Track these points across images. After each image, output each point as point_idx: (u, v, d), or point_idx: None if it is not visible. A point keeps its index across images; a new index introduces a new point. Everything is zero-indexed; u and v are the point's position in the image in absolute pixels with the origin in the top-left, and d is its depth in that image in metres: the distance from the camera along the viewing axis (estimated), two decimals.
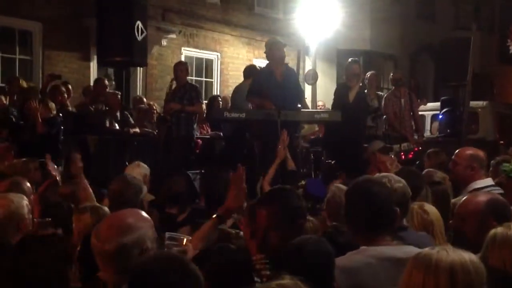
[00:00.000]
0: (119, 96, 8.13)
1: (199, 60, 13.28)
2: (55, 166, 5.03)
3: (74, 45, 10.91)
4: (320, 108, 11.27)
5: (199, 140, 9.12)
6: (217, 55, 13.72)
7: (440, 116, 10.98)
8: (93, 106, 8.90)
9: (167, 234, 2.85)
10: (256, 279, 2.54)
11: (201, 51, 13.36)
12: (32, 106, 7.24)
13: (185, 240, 2.84)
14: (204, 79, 13.50)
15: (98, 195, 4.93)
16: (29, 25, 10.55)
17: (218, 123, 8.88)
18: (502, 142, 10.46)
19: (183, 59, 12.00)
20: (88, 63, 11.16)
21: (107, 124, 8.54)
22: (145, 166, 5.35)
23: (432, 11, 18.27)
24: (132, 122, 8.97)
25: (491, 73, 17.20)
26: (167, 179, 5.18)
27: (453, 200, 3.95)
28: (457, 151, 4.28)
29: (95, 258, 2.34)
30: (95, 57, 8.30)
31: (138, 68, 11.17)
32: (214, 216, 3.15)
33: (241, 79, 8.99)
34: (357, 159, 7.25)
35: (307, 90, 13.51)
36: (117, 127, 8.26)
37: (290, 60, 12.39)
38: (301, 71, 13.94)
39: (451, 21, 18.03)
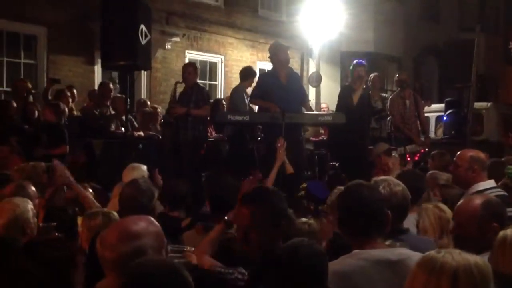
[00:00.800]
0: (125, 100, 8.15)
1: (203, 63, 13.28)
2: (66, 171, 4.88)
3: (78, 49, 10.94)
4: (324, 111, 11.26)
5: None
6: (221, 58, 13.72)
7: (445, 118, 10.96)
8: (98, 110, 8.93)
9: (170, 247, 2.84)
10: None
11: (205, 54, 13.38)
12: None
13: (188, 251, 2.84)
14: (208, 82, 13.51)
15: (106, 199, 4.96)
16: (33, 30, 10.59)
17: (222, 126, 8.89)
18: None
19: (187, 62, 12.02)
20: (93, 67, 11.19)
21: (113, 127, 8.55)
22: (142, 167, 5.17)
23: (436, 13, 18.20)
24: (136, 125, 8.99)
25: (495, 74, 17.17)
26: (169, 181, 5.11)
27: None
28: (458, 153, 4.26)
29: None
30: (100, 61, 8.30)
31: (142, 71, 11.23)
32: (222, 221, 3.21)
33: None
34: (362, 161, 7.25)
35: (311, 92, 13.54)
36: (123, 131, 8.27)
37: (294, 63, 12.43)
38: (304, 74, 13.96)
39: (455, 22, 17.98)
